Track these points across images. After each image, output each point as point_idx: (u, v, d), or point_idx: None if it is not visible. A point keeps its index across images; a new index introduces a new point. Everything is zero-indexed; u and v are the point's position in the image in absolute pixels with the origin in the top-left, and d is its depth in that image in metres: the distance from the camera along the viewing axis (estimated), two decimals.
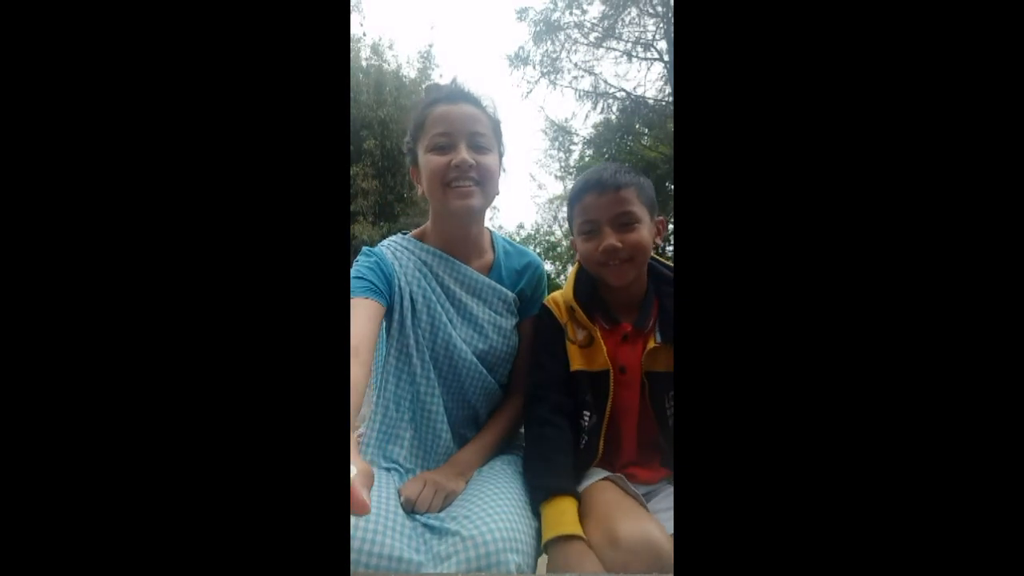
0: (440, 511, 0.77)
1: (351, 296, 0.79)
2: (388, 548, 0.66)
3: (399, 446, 0.86)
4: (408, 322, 0.88)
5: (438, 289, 0.91)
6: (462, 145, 0.85)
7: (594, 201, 0.87)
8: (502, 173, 0.94)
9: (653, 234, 0.90)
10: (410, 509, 0.76)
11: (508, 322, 0.95)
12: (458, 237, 0.93)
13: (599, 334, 0.89)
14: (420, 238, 0.96)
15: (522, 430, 0.96)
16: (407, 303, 0.88)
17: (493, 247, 1.00)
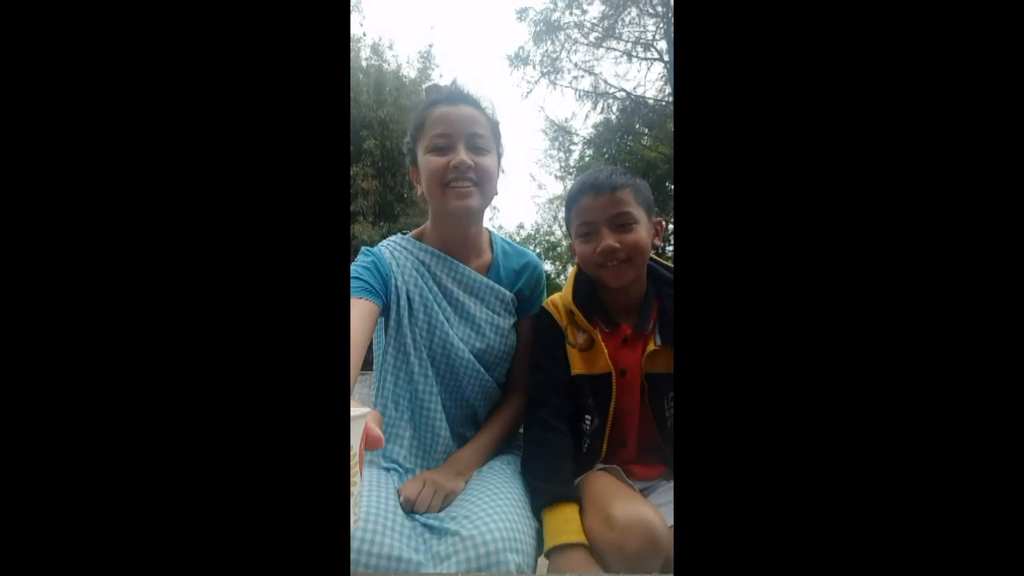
0: (439, 511, 0.77)
1: None
2: (387, 548, 0.66)
3: (399, 445, 0.86)
4: (405, 321, 0.89)
5: (435, 288, 0.91)
6: (461, 146, 0.86)
7: (591, 203, 0.87)
8: (501, 174, 0.95)
9: (651, 235, 0.90)
10: (409, 509, 0.76)
11: (506, 321, 0.95)
12: (456, 237, 0.94)
13: (599, 337, 0.89)
14: (419, 238, 0.97)
15: (521, 431, 0.97)
16: (404, 302, 0.89)
17: (492, 247, 1.00)
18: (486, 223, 1.00)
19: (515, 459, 0.91)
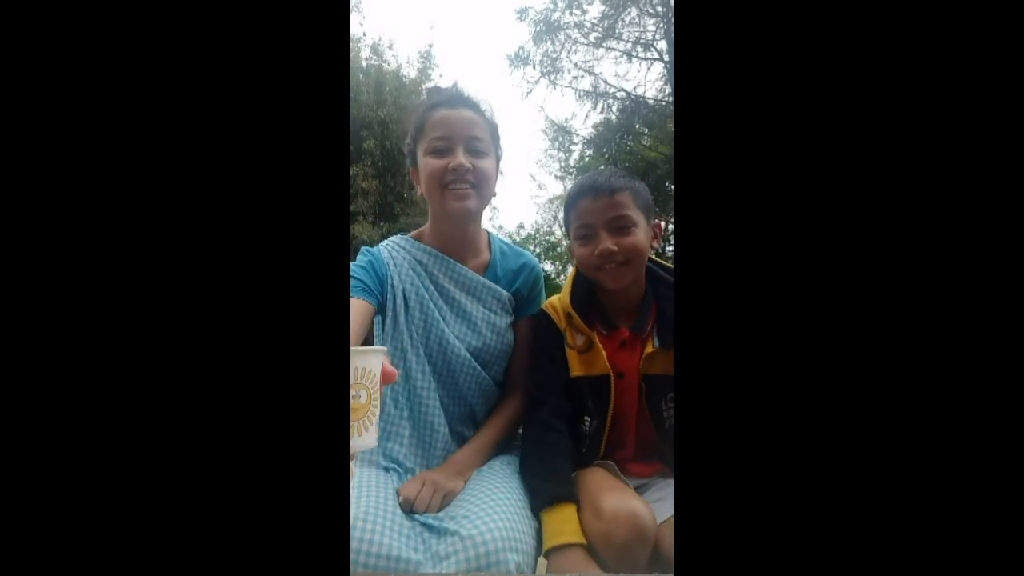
0: (439, 511, 0.77)
1: None
2: (386, 548, 0.66)
3: (398, 443, 0.87)
4: (402, 319, 0.90)
5: (431, 287, 0.93)
6: (459, 149, 0.88)
7: (589, 206, 0.88)
8: (499, 176, 0.97)
9: (650, 237, 0.90)
10: (409, 509, 0.76)
11: (502, 320, 0.96)
12: (454, 237, 0.96)
13: (597, 340, 0.89)
14: (418, 238, 0.99)
15: (520, 431, 0.97)
16: (400, 301, 0.90)
17: (490, 248, 1.02)
18: (486, 223, 1.02)
19: (514, 459, 0.91)
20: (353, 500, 0.72)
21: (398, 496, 0.77)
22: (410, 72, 10.51)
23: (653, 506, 0.76)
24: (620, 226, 0.86)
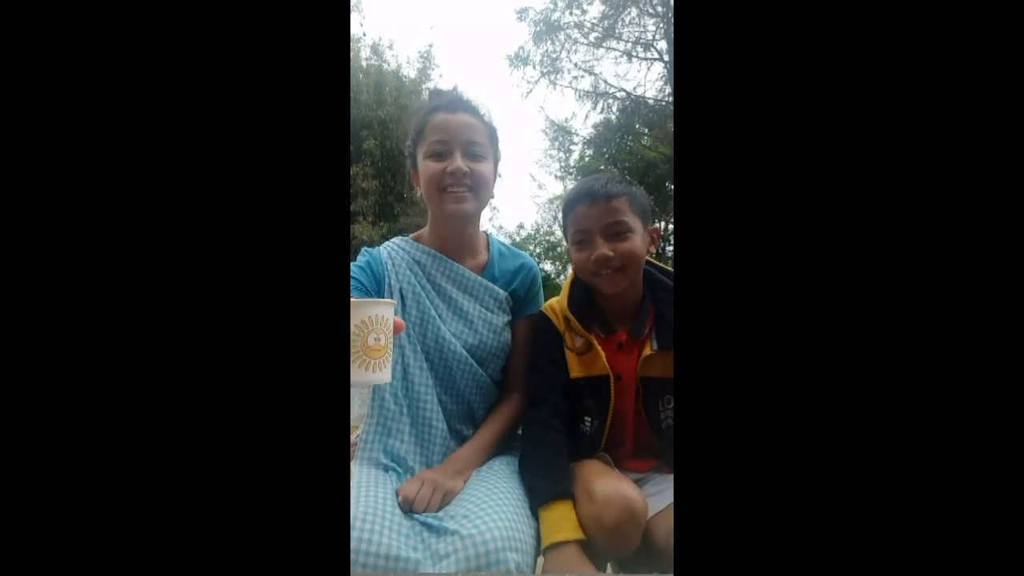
0: (438, 510, 0.77)
1: None
2: (385, 547, 0.66)
3: (398, 439, 0.87)
4: (399, 315, 0.92)
5: (427, 286, 0.95)
6: (458, 153, 0.90)
7: (585, 211, 0.89)
8: (497, 179, 1.00)
9: (647, 243, 0.91)
10: (408, 508, 0.76)
11: (499, 319, 0.98)
12: (452, 238, 0.98)
13: (596, 342, 0.90)
14: (418, 239, 1.02)
15: (519, 431, 0.97)
16: (397, 299, 0.92)
17: (488, 249, 1.04)
18: (486, 223, 1.03)
19: (514, 459, 0.91)
20: (352, 500, 0.72)
21: (397, 496, 0.77)
22: (410, 72, 10.51)
23: (648, 499, 0.77)
24: (616, 232, 0.87)
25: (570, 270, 0.99)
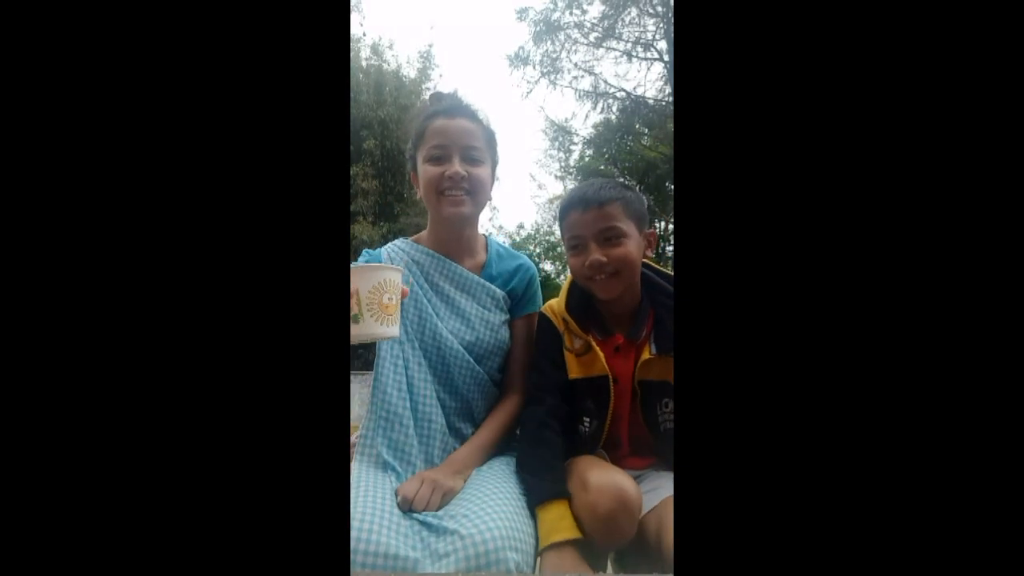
0: (438, 509, 0.77)
1: None
2: (384, 546, 0.66)
3: (399, 436, 0.88)
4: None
5: (425, 286, 0.98)
6: (456, 158, 0.93)
7: (579, 217, 0.90)
8: (495, 182, 1.03)
9: (642, 247, 0.91)
10: (408, 508, 0.76)
11: (496, 317, 1.00)
12: (451, 240, 1.01)
13: (595, 343, 0.90)
14: (418, 240, 1.04)
15: (519, 431, 0.98)
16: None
17: (487, 250, 1.06)
18: (486, 223, 1.06)
19: (514, 459, 0.91)
20: (351, 499, 0.72)
21: (397, 495, 0.77)
22: (410, 72, 10.51)
23: (645, 495, 0.78)
24: (608, 237, 0.88)
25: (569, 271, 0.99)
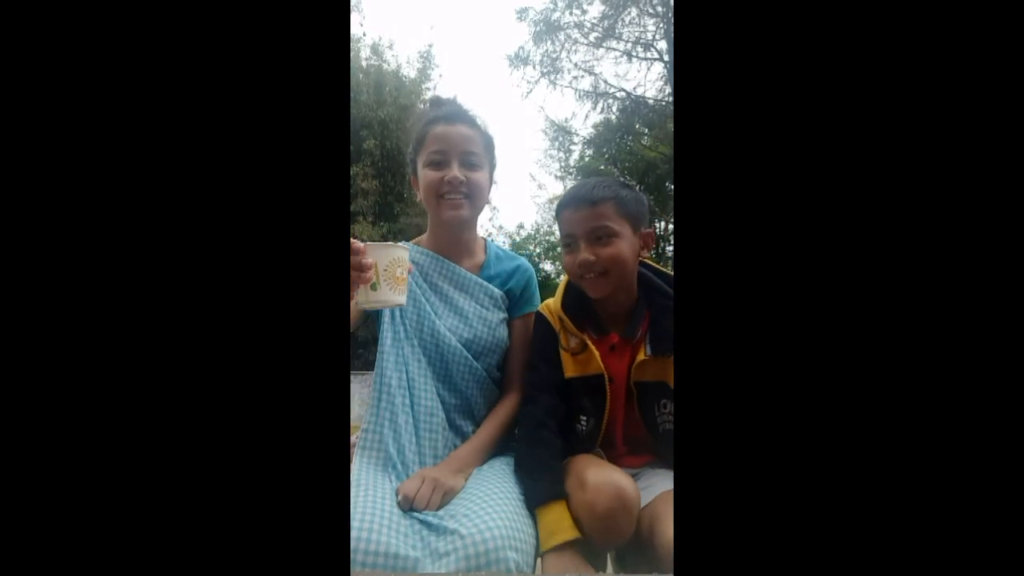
0: (439, 508, 0.77)
1: None
2: (384, 545, 0.66)
3: (401, 432, 0.88)
4: (397, 314, 0.98)
5: (424, 285, 1.01)
6: (455, 163, 0.96)
7: (571, 216, 0.90)
8: (493, 185, 1.06)
9: (636, 247, 0.91)
10: (408, 506, 0.76)
11: (494, 315, 1.02)
12: (450, 242, 1.04)
13: (590, 342, 0.90)
14: (418, 243, 1.07)
15: (517, 431, 0.98)
16: None
17: (486, 251, 1.09)
18: (486, 222, 1.08)
19: (513, 459, 0.91)
20: (351, 498, 0.72)
21: (397, 494, 0.77)
22: (410, 72, 10.51)
23: (641, 492, 0.78)
24: (599, 236, 0.88)
25: None
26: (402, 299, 0.73)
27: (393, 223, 8.71)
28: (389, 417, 0.89)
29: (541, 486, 0.79)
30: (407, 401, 0.92)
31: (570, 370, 0.91)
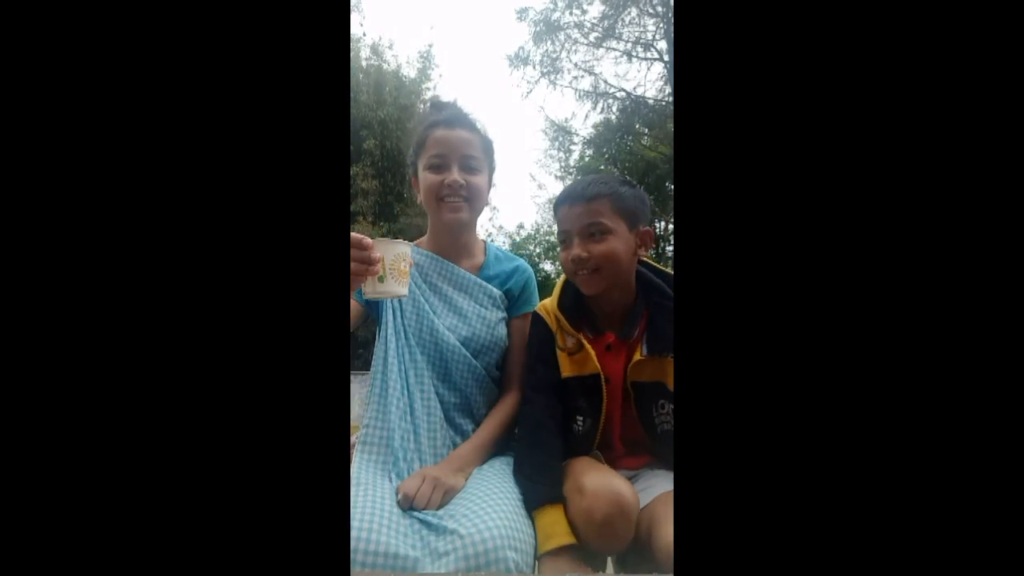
0: (439, 508, 0.77)
1: None
2: (383, 545, 0.66)
3: (401, 430, 0.88)
4: (397, 314, 0.99)
5: (423, 286, 1.02)
6: (455, 166, 0.98)
7: (566, 212, 0.91)
8: (492, 187, 1.09)
9: (635, 245, 0.90)
10: (408, 505, 0.76)
11: (493, 315, 1.03)
12: (449, 243, 1.06)
13: (586, 341, 0.90)
14: (419, 244, 1.08)
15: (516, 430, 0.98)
16: (393, 299, 0.99)
17: (485, 253, 1.10)
18: (486, 222, 1.09)
19: (513, 459, 0.92)
20: (351, 498, 0.72)
21: (397, 493, 0.78)
22: (410, 72, 10.51)
23: (639, 494, 0.77)
24: (592, 233, 0.88)
25: None
26: (405, 291, 0.78)
27: (393, 223, 8.71)
28: (388, 416, 0.89)
29: (538, 489, 0.79)
30: (406, 400, 0.92)
31: (566, 370, 0.91)
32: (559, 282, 0.98)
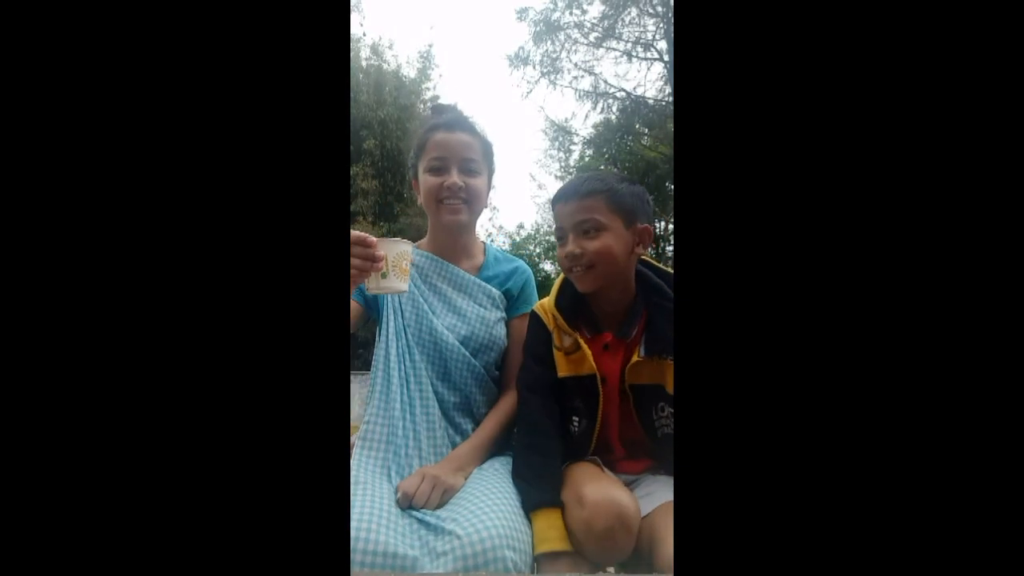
0: (439, 507, 0.77)
1: None
2: (382, 544, 0.66)
3: (396, 426, 0.89)
4: (397, 314, 1.00)
5: (422, 285, 1.04)
6: (454, 169, 1.00)
7: (562, 209, 0.90)
8: (491, 189, 1.11)
9: (629, 243, 0.88)
10: (407, 504, 0.76)
11: (492, 314, 1.04)
12: (449, 244, 1.08)
13: (583, 341, 0.89)
14: (419, 246, 1.09)
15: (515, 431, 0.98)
16: (393, 298, 1.01)
17: (485, 254, 1.12)
18: (486, 222, 1.10)
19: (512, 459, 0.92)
20: (350, 497, 0.72)
21: (397, 492, 0.78)
22: (410, 72, 10.51)
23: (640, 501, 0.76)
24: (586, 230, 0.87)
25: None
26: (406, 287, 0.81)
27: (393, 223, 8.71)
28: (388, 415, 0.89)
29: (533, 492, 0.79)
30: (406, 399, 0.92)
31: (563, 369, 0.90)
32: (557, 281, 0.97)
